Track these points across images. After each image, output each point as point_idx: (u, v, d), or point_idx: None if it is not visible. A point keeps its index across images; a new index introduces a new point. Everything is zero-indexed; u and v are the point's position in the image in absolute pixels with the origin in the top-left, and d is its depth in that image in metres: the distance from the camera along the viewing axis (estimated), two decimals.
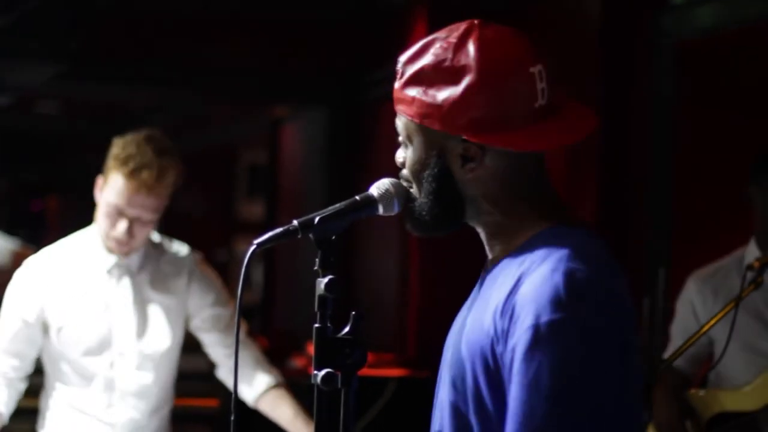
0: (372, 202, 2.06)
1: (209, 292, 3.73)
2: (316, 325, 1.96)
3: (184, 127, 9.85)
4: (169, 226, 4.53)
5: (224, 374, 3.80)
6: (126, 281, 3.66)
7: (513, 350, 1.88)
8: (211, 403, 6.21)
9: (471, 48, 1.97)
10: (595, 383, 1.86)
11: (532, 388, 1.85)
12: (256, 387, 3.70)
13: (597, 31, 5.06)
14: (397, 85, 2.04)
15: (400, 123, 2.05)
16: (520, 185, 2.01)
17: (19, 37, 6.38)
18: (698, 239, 4.95)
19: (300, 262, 7.48)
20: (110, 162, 3.56)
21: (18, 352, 3.60)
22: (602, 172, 5.02)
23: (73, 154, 12.35)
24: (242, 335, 3.83)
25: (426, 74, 2.00)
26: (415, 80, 2.01)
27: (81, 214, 4.23)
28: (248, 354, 3.72)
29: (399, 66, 2.05)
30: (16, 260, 4.40)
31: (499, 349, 1.91)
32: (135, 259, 3.67)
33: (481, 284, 2.05)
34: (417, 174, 2.03)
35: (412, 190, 2.06)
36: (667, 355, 4.05)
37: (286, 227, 2.02)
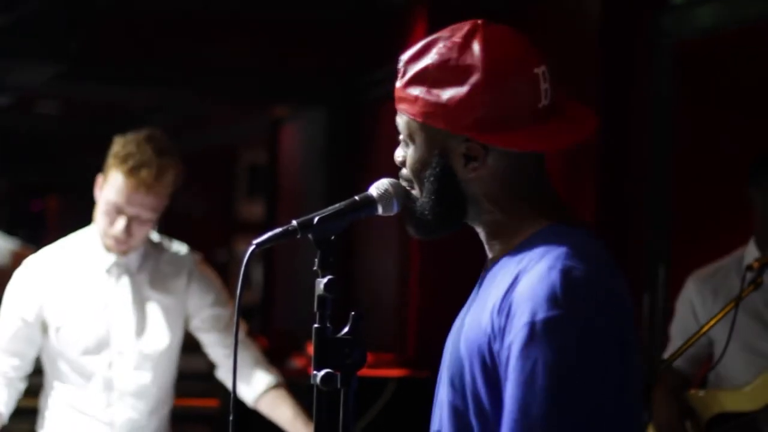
0: (371, 202, 2.06)
1: (209, 293, 3.73)
2: (316, 326, 1.95)
3: (184, 127, 9.85)
4: (169, 226, 4.54)
5: (224, 374, 3.79)
6: (125, 280, 3.66)
7: (509, 348, 1.88)
8: (211, 403, 6.21)
9: (476, 48, 1.98)
10: (591, 381, 1.85)
11: (527, 385, 1.85)
12: (256, 387, 3.70)
13: (597, 32, 5.06)
14: (398, 83, 2.04)
15: (402, 122, 2.05)
16: (520, 185, 2.01)
17: (19, 37, 6.38)
18: (698, 238, 4.95)
19: (299, 262, 7.48)
20: (110, 160, 3.57)
21: (17, 351, 3.60)
22: (602, 172, 5.02)
23: (72, 155, 12.35)
24: (242, 335, 3.83)
25: (430, 73, 2.00)
26: (418, 79, 2.01)
27: (81, 214, 4.23)
28: (248, 354, 3.72)
29: (400, 65, 2.05)
30: (16, 260, 4.39)
31: (496, 346, 1.91)
32: (134, 259, 3.67)
33: (481, 283, 2.06)
34: (418, 173, 2.03)
35: (413, 191, 2.06)
36: (666, 355, 4.05)
37: (285, 227, 2.02)
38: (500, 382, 1.91)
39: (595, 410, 1.85)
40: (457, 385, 1.98)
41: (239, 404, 3.64)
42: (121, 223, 3.55)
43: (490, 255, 2.06)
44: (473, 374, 1.95)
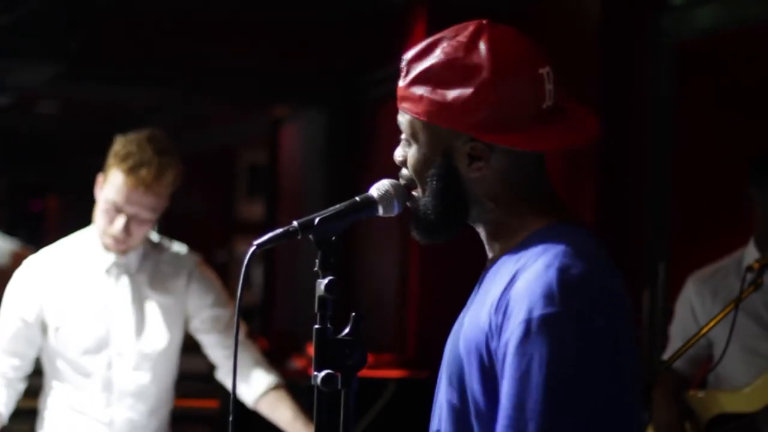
0: (372, 203, 2.06)
1: (208, 293, 3.73)
2: (316, 326, 1.95)
3: (183, 127, 9.84)
4: (169, 226, 4.54)
5: (224, 375, 3.79)
6: (124, 280, 3.66)
7: (506, 345, 1.89)
8: (211, 404, 6.21)
9: (483, 47, 1.98)
10: (587, 379, 1.86)
11: (522, 381, 1.86)
12: (256, 388, 3.69)
13: (597, 32, 5.06)
14: (401, 83, 2.04)
15: (404, 121, 2.05)
16: (520, 185, 2.02)
17: (18, 37, 6.38)
18: (698, 238, 4.95)
19: (300, 263, 7.48)
20: (110, 159, 3.57)
21: (17, 351, 3.60)
22: (602, 172, 5.02)
23: (72, 155, 12.35)
24: (242, 336, 3.83)
25: (435, 72, 2.00)
26: (422, 78, 2.01)
27: (81, 215, 4.23)
28: (248, 355, 3.71)
29: (403, 64, 2.05)
30: (16, 260, 4.40)
31: (493, 344, 1.92)
32: (134, 259, 3.67)
33: (481, 283, 2.06)
34: (420, 173, 2.03)
35: (414, 193, 2.06)
36: (666, 356, 4.05)
37: (286, 228, 2.02)
38: (497, 380, 1.91)
39: (590, 407, 1.85)
40: (456, 384, 1.98)
41: (239, 405, 3.64)
42: (119, 222, 3.55)
43: (490, 255, 2.07)
44: (471, 372, 1.95)
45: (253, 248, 2.01)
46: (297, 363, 6.32)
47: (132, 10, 6.80)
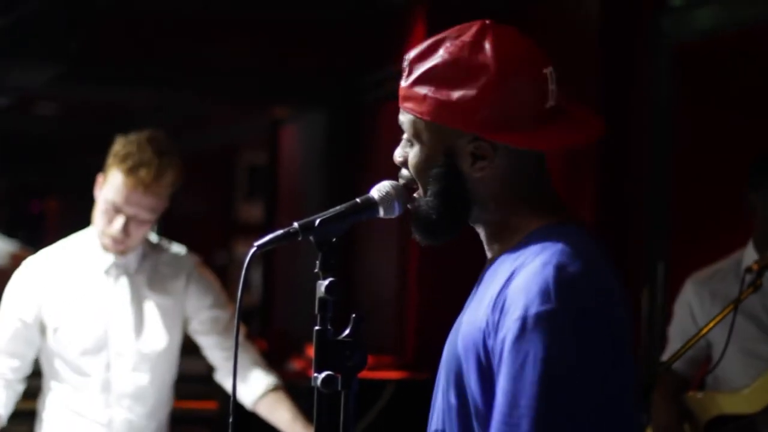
0: (372, 204, 2.06)
1: (207, 294, 3.73)
2: (317, 328, 1.95)
3: (183, 127, 9.85)
4: (168, 227, 4.53)
5: (222, 377, 3.79)
6: (123, 281, 3.66)
7: (502, 342, 1.89)
8: (210, 405, 6.20)
9: (488, 47, 1.99)
10: (582, 376, 1.86)
11: (517, 377, 1.86)
12: (255, 389, 3.69)
13: (596, 33, 5.06)
14: (404, 83, 2.04)
15: (406, 121, 2.05)
16: (521, 185, 2.02)
17: (18, 38, 6.38)
18: (697, 239, 4.95)
19: (299, 264, 7.48)
20: (110, 159, 3.57)
21: (16, 352, 3.59)
22: (602, 172, 5.03)
23: (72, 156, 12.35)
24: (241, 338, 3.83)
25: (439, 72, 2.00)
26: (426, 78, 2.01)
27: (80, 216, 4.23)
28: (247, 356, 3.71)
29: (405, 64, 2.05)
30: (15, 262, 4.39)
31: (490, 342, 1.92)
32: (133, 260, 3.67)
33: (479, 283, 2.07)
34: (423, 172, 2.03)
35: (414, 194, 2.06)
36: (665, 357, 4.05)
37: (286, 229, 2.02)
38: (495, 379, 1.91)
39: (584, 406, 1.86)
40: (454, 384, 1.99)
41: (238, 407, 3.64)
42: (118, 222, 3.55)
43: (489, 255, 2.07)
44: (469, 372, 1.96)
45: (253, 249, 2.01)
46: (296, 364, 6.32)
47: (131, 10, 6.80)
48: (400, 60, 2.07)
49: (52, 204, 14.67)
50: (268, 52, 7.12)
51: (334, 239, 2.00)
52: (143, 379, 3.64)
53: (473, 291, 2.08)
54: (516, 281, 1.92)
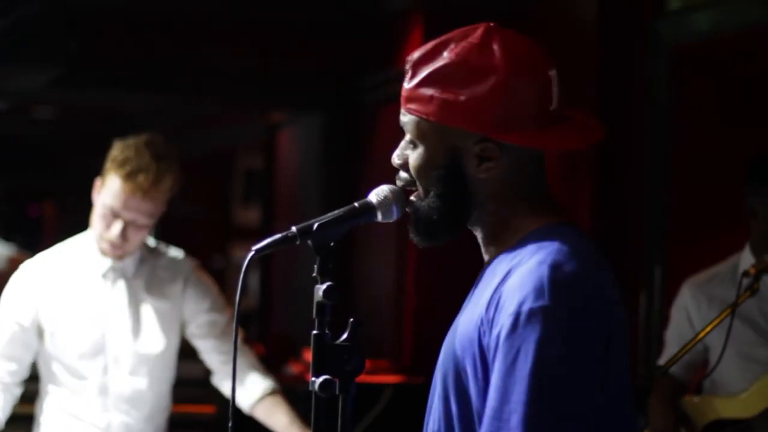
0: (370, 208, 2.06)
1: (205, 298, 3.73)
2: (315, 332, 1.96)
3: (180, 131, 9.83)
4: (166, 231, 4.53)
5: (220, 381, 3.79)
6: (121, 285, 3.66)
7: (497, 338, 1.90)
8: (208, 409, 6.20)
9: (496, 48, 2.00)
10: (574, 374, 1.87)
11: (508, 373, 1.87)
12: (252, 393, 3.69)
13: (595, 36, 5.06)
14: (407, 84, 2.05)
15: (409, 122, 2.05)
16: (521, 185, 2.04)
17: (17, 41, 6.38)
18: (695, 242, 4.95)
19: (296, 268, 7.47)
20: (108, 164, 3.57)
21: (14, 356, 3.59)
22: (600, 175, 5.03)
23: (70, 159, 12.34)
24: (239, 342, 3.82)
25: (446, 73, 2.01)
26: (432, 79, 2.02)
27: (78, 220, 4.23)
28: (244, 360, 3.71)
29: (408, 66, 2.05)
30: (13, 265, 4.40)
31: (485, 340, 1.93)
32: (130, 264, 3.67)
33: (476, 285, 2.07)
34: (425, 174, 2.04)
35: (412, 197, 2.07)
36: (662, 361, 4.05)
37: (284, 233, 2.02)
38: (489, 375, 1.92)
39: (576, 403, 1.86)
40: (452, 384, 1.99)
41: (235, 411, 3.63)
42: (117, 227, 3.55)
43: (486, 257, 2.08)
44: (467, 371, 1.97)
45: (251, 254, 2.01)
46: (294, 368, 6.31)
47: (129, 14, 6.80)
48: (398, 63, 2.07)
49: (49, 207, 14.65)
50: (265, 56, 7.11)
51: (332, 243, 2.01)
52: (141, 382, 3.64)
53: (470, 292, 2.09)
54: (511, 279, 1.93)
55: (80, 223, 3.83)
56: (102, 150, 3.62)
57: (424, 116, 2.02)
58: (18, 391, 3.63)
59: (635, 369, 4.64)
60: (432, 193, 2.03)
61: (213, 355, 3.73)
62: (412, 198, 2.07)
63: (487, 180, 2.01)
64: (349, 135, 7.23)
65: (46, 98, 8.91)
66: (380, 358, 5.94)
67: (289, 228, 2.01)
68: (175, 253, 3.79)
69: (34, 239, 12.30)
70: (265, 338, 8.11)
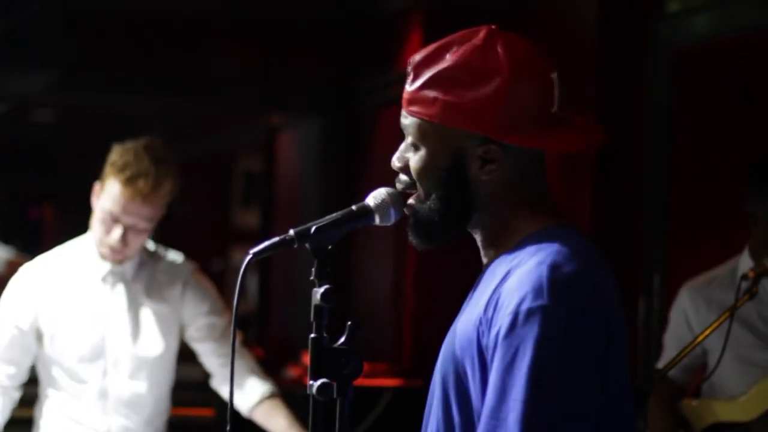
0: (368, 212, 2.06)
1: (204, 301, 3.73)
2: (312, 335, 1.96)
3: (179, 134, 9.84)
4: (165, 234, 4.53)
5: (218, 384, 3.79)
6: (120, 288, 3.66)
7: (496, 337, 1.91)
8: (207, 412, 6.20)
9: (500, 50, 2.00)
10: (572, 374, 1.87)
11: (506, 372, 1.87)
12: (251, 396, 3.69)
13: (595, 37, 5.06)
14: (409, 86, 2.05)
15: (411, 124, 2.05)
16: (522, 187, 2.04)
17: (16, 43, 6.38)
18: (694, 245, 4.95)
19: (295, 272, 7.47)
20: (108, 168, 3.56)
21: (13, 359, 3.59)
22: (599, 178, 5.03)
23: (69, 162, 12.34)
24: (237, 345, 3.82)
25: (449, 75, 2.01)
26: (435, 81, 2.02)
27: (77, 223, 4.22)
28: (243, 363, 3.71)
29: (410, 68, 2.06)
30: (12, 269, 4.39)
31: (484, 340, 1.93)
32: (130, 267, 3.67)
33: (476, 287, 2.07)
34: (426, 176, 2.04)
35: (411, 200, 2.06)
36: (661, 364, 4.05)
37: (282, 237, 2.02)
38: (487, 375, 1.92)
39: (574, 403, 1.87)
40: (453, 386, 2.00)
41: (234, 414, 3.63)
42: (116, 232, 3.54)
43: (485, 260, 2.08)
44: (466, 372, 1.97)
45: (249, 257, 2.01)
46: (292, 372, 6.31)
47: (130, 18, 6.80)
48: (398, 65, 2.08)
49: (49, 210, 14.66)
50: (265, 57, 7.12)
51: (330, 247, 2.01)
52: (140, 386, 3.63)
53: (469, 295, 2.09)
54: (510, 280, 1.93)
55: (80, 226, 3.83)
56: (102, 152, 3.61)
57: (427, 118, 2.02)
58: (17, 395, 3.63)
59: (634, 371, 4.64)
60: (433, 196, 2.03)
61: (212, 358, 3.73)
62: (411, 201, 2.07)
63: (489, 182, 2.02)
64: (349, 137, 7.23)
65: (45, 100, 8.91)
66: (379, 362, 5.93)
67: (288, 231, 2.01)
68: (175, 256, 3.79)
69: (34, 242, 12.31)
70: (264, 341, 8.11)
